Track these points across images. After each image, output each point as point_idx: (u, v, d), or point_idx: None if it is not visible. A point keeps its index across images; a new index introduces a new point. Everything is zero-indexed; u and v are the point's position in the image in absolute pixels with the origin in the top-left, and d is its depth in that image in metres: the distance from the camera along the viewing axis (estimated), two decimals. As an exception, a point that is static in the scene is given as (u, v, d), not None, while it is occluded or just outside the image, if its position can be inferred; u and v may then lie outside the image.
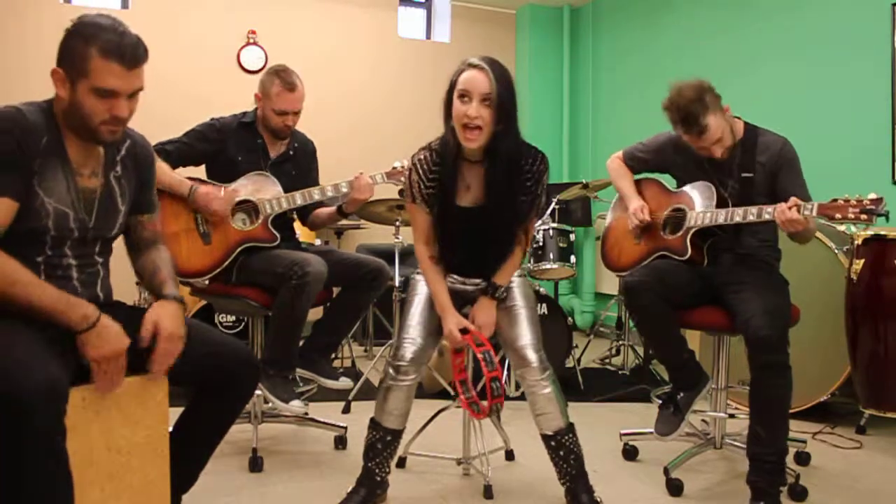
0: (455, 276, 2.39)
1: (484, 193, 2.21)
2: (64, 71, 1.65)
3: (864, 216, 2.15)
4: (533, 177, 2.20)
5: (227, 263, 2.67)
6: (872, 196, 2.16)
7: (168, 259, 1.93)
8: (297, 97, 2.80)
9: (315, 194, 2.79)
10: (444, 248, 2.31)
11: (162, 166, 2.66)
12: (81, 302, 1.64)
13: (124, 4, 5.11)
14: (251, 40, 5.31)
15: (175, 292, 1.82)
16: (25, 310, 1.59)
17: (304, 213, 3.03)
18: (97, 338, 1.61)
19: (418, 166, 2.24)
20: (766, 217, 2.33)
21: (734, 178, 2.54)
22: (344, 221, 3.05)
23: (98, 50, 1.62)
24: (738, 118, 2.59)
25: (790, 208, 2.24)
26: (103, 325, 1.62)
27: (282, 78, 2.77)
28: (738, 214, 2.42)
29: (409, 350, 2.23)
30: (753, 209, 2.38)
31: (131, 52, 1.64)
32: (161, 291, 1.83)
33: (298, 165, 2.93)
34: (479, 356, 2.14)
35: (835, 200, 2.21)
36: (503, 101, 2.07)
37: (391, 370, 2.24)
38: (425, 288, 2.36)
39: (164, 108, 4.56)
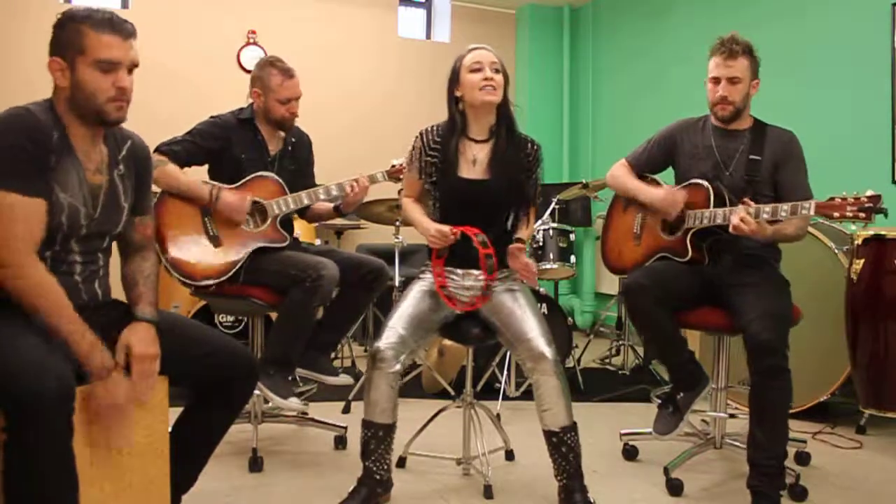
0: (455, 274, 2.40)
1: (489, 167, 2.37)
2: (60, 57, 1.69)
3: (862, 214, 2.15)
4: (531, 158, 2.42)
5: (238, 267, 2.63)
6: (870, 193, 2.16)
7: (150, 273, 1.90)
8: (297, 82, 2.82)
9: (321, 194, 2.80)
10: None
11: (174, 171, 2.63)
12: (103, 351, 1.65)
13: (124, 4, 5.11)
14: (251, 40, 5.31)
15: (147, 313, 1.79)
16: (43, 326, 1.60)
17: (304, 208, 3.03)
18: (103, 389, 1.63)
19: (424, 136, 2.43)
20: (765, 217, 2.33)
21: (740, 162, 2.54)
22: (344, 221, 3.05)
23: (91, 25, 1.68)
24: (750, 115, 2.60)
25: (742, 216, 2.30)
26: (115, 379, 1.64)
27: (278, 67, 2.79)
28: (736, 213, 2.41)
29: (387, 338, 2.26)
30: (752, 209, 2.37)
31: (122, 25, 1.72)
32: (133, 311, 1.80)
33: (296, 159, 2.92)
34: (476, 239, 2.25)
35: (832, 199, 2.21)
36: (504, 71, 2.36)
37: (370, 360, 2.26)
38: (418, 286, 2.40)
39: (163, 108, 4.56)
